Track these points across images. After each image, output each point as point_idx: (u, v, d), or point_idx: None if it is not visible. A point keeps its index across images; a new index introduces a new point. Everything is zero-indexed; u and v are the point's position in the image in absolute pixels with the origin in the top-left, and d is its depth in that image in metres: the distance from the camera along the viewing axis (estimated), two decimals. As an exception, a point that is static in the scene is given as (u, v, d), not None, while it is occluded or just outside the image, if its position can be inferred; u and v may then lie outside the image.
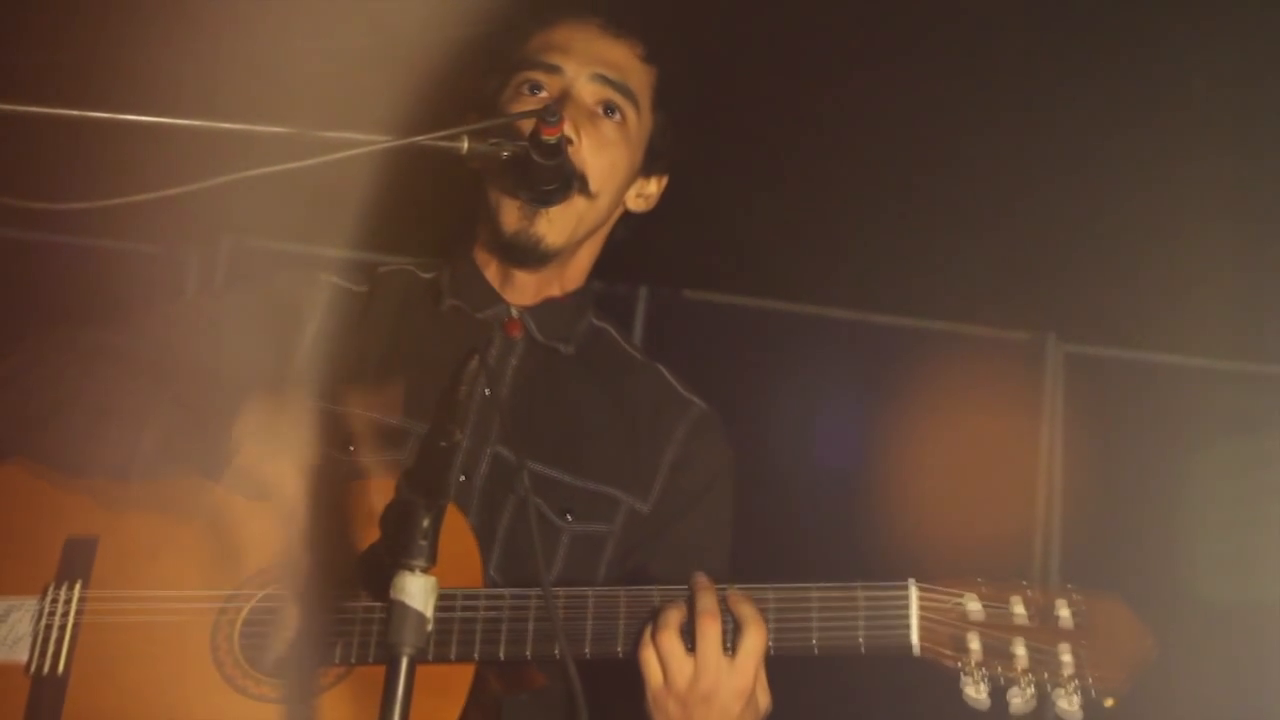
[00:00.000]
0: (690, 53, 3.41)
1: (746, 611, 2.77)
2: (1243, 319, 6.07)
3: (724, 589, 2.80)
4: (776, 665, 2.81)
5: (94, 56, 4.88)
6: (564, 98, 3.15)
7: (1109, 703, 2.72)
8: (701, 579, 2.81)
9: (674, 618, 2.77)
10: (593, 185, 3.15)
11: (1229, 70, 4.98)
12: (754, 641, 2.75)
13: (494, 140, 2.69)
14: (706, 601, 2.77)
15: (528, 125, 2.76)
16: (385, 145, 2.53)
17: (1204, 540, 6.25)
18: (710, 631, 2.74)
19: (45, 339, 3.16)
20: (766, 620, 2.77)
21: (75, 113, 2.49)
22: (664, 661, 2.76)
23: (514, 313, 3.24)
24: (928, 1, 4.95)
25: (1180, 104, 5.19)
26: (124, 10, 4.78)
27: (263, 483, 2.89)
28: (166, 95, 2.86)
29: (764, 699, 2.82)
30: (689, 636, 2.76)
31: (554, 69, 3.19)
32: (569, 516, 3.12)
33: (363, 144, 2.51)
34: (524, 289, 3.24)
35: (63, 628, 2.92)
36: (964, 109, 5.40)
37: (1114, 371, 6.85)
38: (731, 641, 2.76)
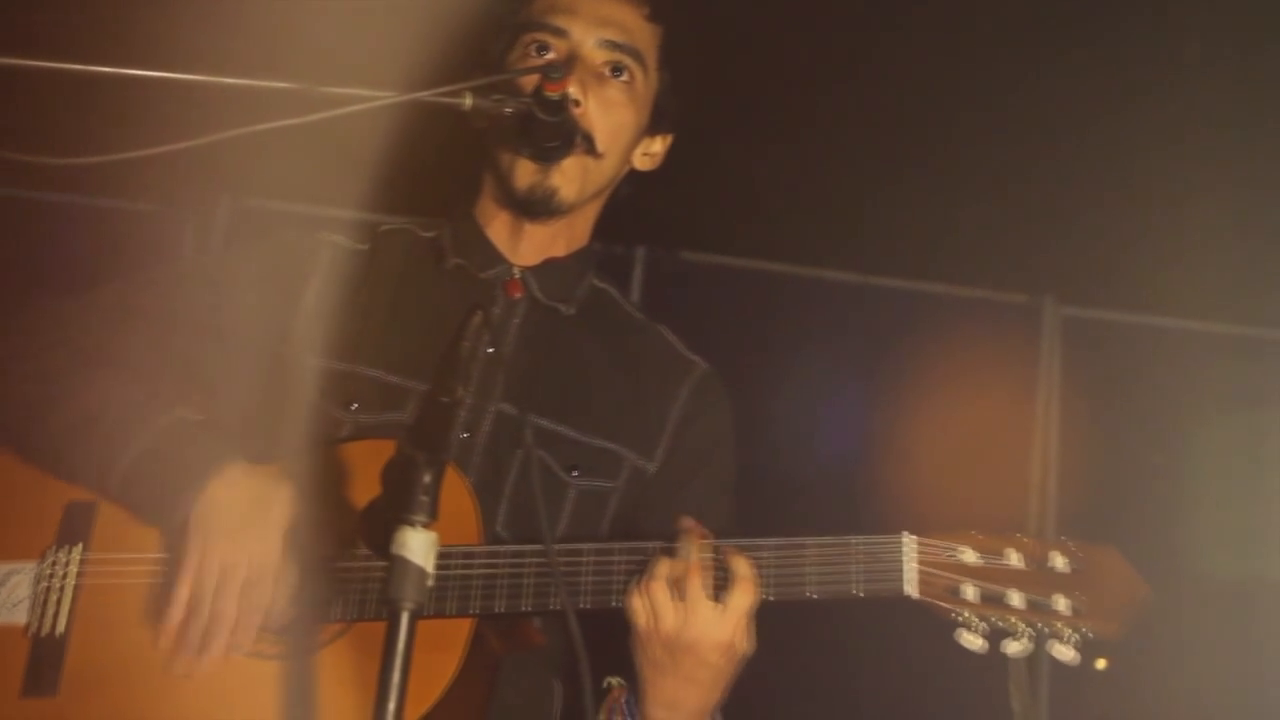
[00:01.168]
0: (695, 10, 3.40)
1: (741, 569, 2.80)
2: (1242, 283, 6.08)
3: (720, 544, 2.82)
4: (768, 610, 2.84)
5: (98, 13, 4.87)
6: (571, 60, 3.14)
7: (1101, 664, 2.74)
8: (694, 529, 2.85)
9: (665, 568, 2.81)
10: (600, 146, 3.15)
11: (1229, 35, 4.98)
12: (744, 598, 2.79)
13: (497, 96, 2.69)
14: (698, 554, 2.80)
15: (531, 82, 2.76)
16: (389, 101, 2.52)
17: (1201, 508, 6.28)
18: (697, 582, 2.78)
19: (40, 315, 3.15)
20: (764, 569, 2.81)
21: (77, 67, 2.48)
22: (654, 608, 2.79)
23: (515, 273, 3.24)
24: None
25: (1179, 68, 5.19)
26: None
27: (263, 441, 2.90)
28: (169, 52, 2.85)
29: (745, 645, 2.85)
30: (679, 587, 2.79)
31: (561, 31, 3.18)
32: (575, 472, 3.12)
33: (366, 100, 2.51)
34: (531, 244, 3.24)
35: (62, 589, 2.91)
36: (963, 71, 5.40)
37: (1112, 335, 6.87)
38: (720, 594, 2.79)
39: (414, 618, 2.33)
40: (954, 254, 6.49)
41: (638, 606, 2.81)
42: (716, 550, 2.82)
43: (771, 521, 3.11)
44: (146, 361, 3.03)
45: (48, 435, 2.99)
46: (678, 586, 2.79)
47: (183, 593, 2.82)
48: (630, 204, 3.38)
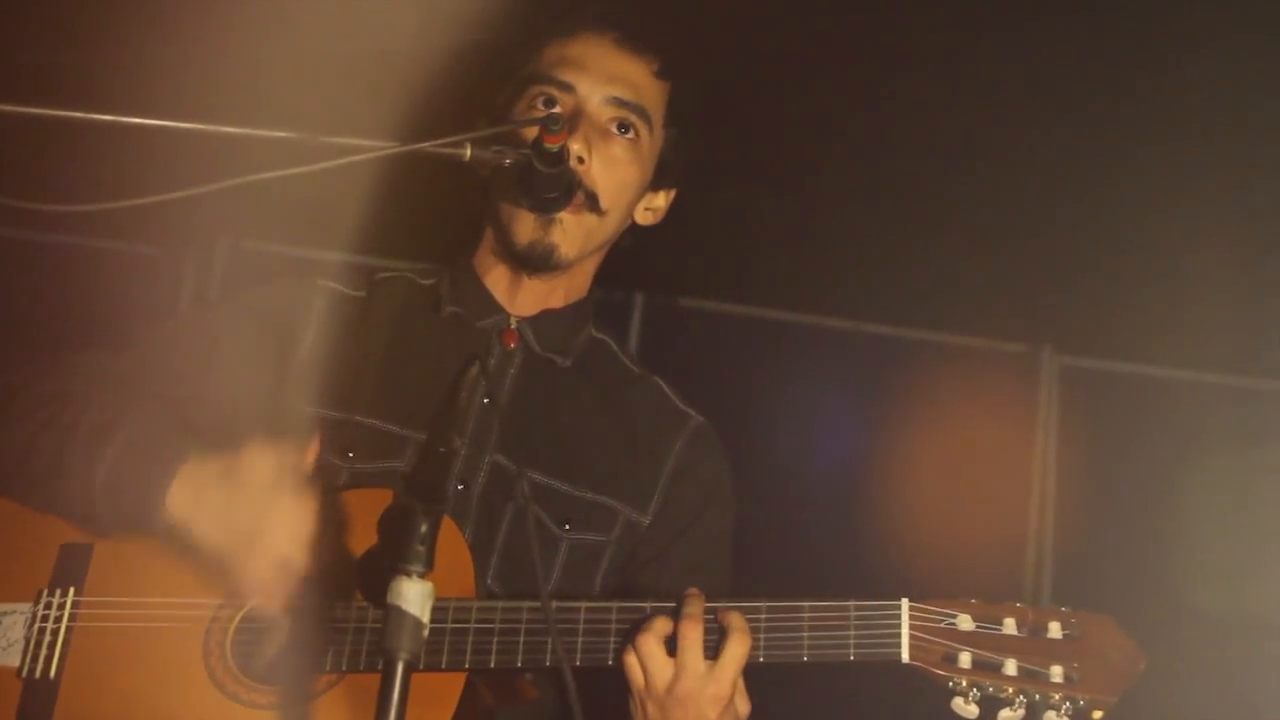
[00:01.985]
0: (703, 66, 3.41)
1: (734, 621, 2.79)
2: (1238, 334, 6.08)
3: (715, 606, 2.82)
4: (768, 669, 2.83)
5: (93, 58, 4.88)
6: (577, 115, 3.14)
7: (1097, 715, 2.73)
8: (692, 591, 2.84)
9: (659, 625, 2.80)
10: (603, 203, 3.15)
11: (1227, 86, 4.99)
12: (736, 649, 2.78)
13: (497, 147, 2.69)
14: (690, 607, 2.80)
15: (531, 133, 2.76)
16: (389, 151, 2.53)
17: (1197, 553, 6.26)
18: (690, 635, 2.77)
19: (32, 367, 3.14)
20: (758, 632, 2.80)
21: (73, 114, 2.49)
22: (644, 664, 2.79)
23: (512, 323, 3.23)
24: (930, 16, 4.95)
25: (1177, 119, 5.19)
26: (123, 12, 4.78)
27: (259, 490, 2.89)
28: (166, 98, 2.86)
29: (743, 707, 2.85)
30: (672, 643, 2.78)
31: (568, 86, 3.18)
32: (567, 526, 3.12)
33: (366, 150, 2.51)
34: (529, 296, 3.24)
35: (55, 632, 2.91)
36: (962, 123, 5.41)
37: (1109, 384, 6.86)
38: (714, 649, 2.78)
39: (409, 668, 2.33)
40: (952, 302, 6.48)
41: (631, 663, 2.80)
42: (711, 610, 2.81)
43: (768, 568, 3.12)
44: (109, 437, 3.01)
45: (24, 482, 2.99)
46: (670, 642, 2.79)
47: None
48: (629, 252, 3.39)
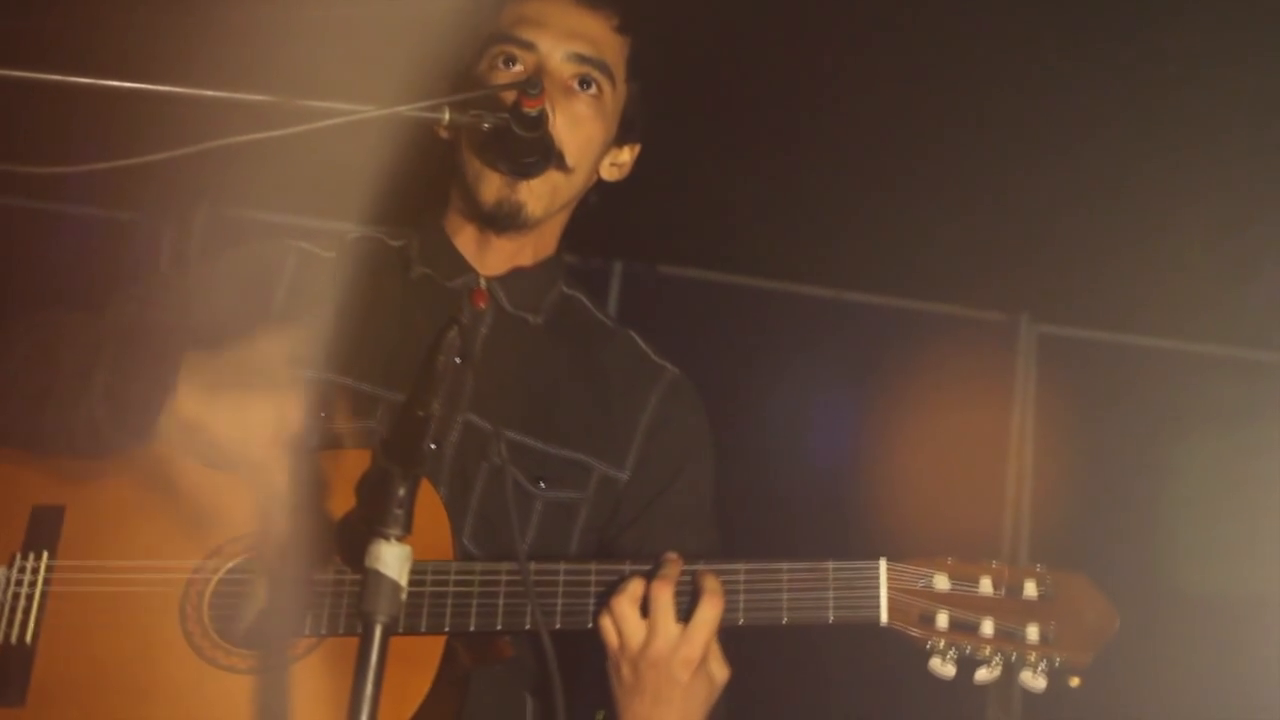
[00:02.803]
0: (665, 22, 3.40)
1: (708, 583, 2.78)
2: (1217, 302, 6.10)
3: (693, 568, 2.82)
4: (743, 635, 2.83)
5: (76, 21, 4.86)
6: (539, 73, 3.13)
7: (1074, 682, 2.74)
8: (670, 554, 2.84)
9: (633, 586, 2.80)
10: (569, 160, 3.15)
11: (1206, 55, 5.00)
12: (708, 611, 2.77)
13: (475, 112, 2.69)
14: (665, 570, 2.80)
15: (509, 97, 2.76)
16: (366, 115, 2.52)
17: (1175, 524, 6.29)
18: (662, 597, 2.77)
19: (7, 323, 3.14)
20: (737, 594, 2.80)
21: (53, 77, 2.47)
22: (619, 625, 2.78)
23: (482, 283, 3.24)
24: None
25: (1155, 86, 5.20)
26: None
27: (233, 450, 2.89)
28: (146, 62, 2.85)
29: (720, 672, 2.84)
30: (648, 605, 2.79)
31: (528, 44, 3.17)
32: (542, 484, 3.12)
33: (344, 113, 2.50)
34: (498, 256, 3.24)
35: (30, 597, 2.90)
36: (940, 89, 5.41)
37: (1087, 353, 6.88)
38: (686, 611, 2.78)
39: (387, 632, 2.33)
40: (930, 271, 6.50)
41: (606, 625, 2.80)
42: (689, 572, 2.82)
43: (748, 536, 3.12)
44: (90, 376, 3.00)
45: (19, 414, 2.96)
46: (644, 603, 2.80)
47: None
48: (608, 219, 3.39)
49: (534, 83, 2.69)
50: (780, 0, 5.11)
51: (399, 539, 2.36)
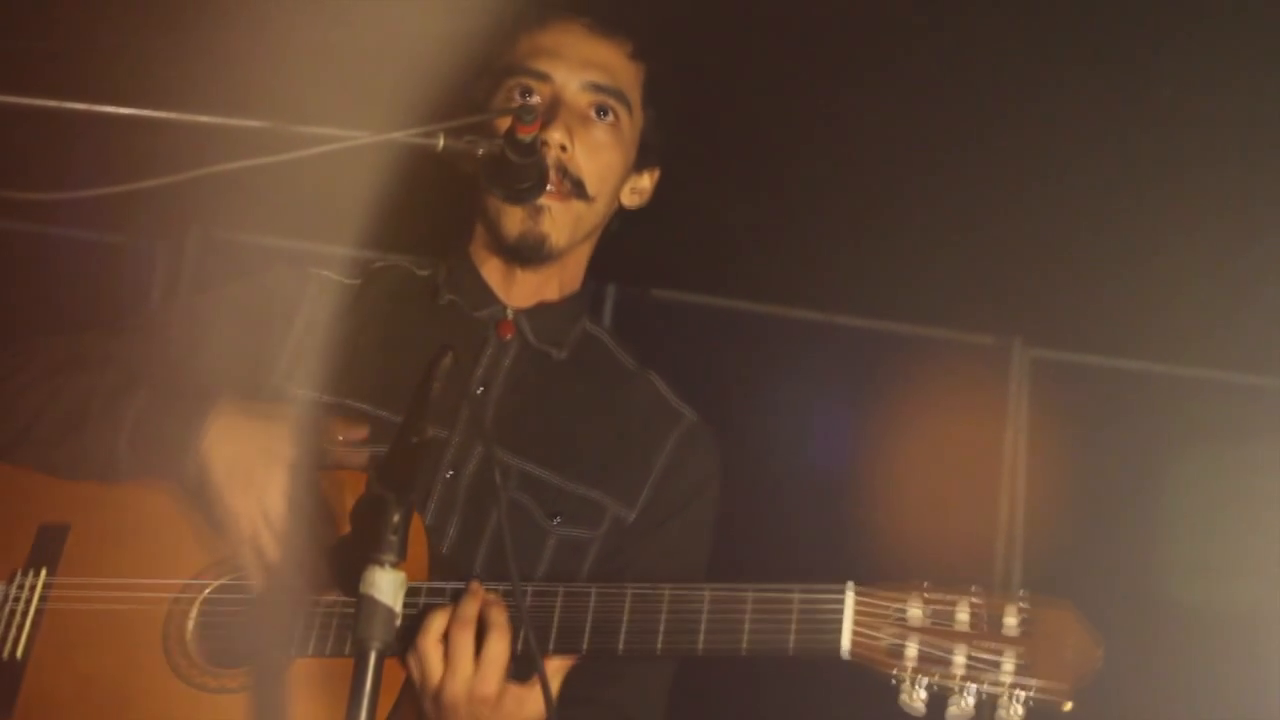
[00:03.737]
0: (677, 47, 3.42)
1: (494, 616, 2.74)
2: (1210, 327, 6.11)
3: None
4: (712, 664, 2.78)
5: (69, 45, 4.87)
6: (556, 103, 3.16)
7: (1067, 707, 2.65)
8: (473, 584, 2.79)
9: (436, 623, 2.75)
10: (590, 189, 3.17)
11: (1202, 78, 5.01)
12: (495, 646, 2.72)
13: (469, 138, 2.69)
14: (462, 609, 2.75)
15: (504, 123, 2.77)
16: (361, 141, 2.52)
17: (1167, 547, 6.29)
18: (457, 638, 2.72)
19: (23, 348, 3.16)
20: (699, 620, 2.71)
21: (45, 103, 2.48)
22: (420, 662, 2.74)
23: (509, 314, 3.24)
24: (907, 9, 4.97)
25: (1150, 111, 5.21)
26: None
27: (240, 471, 2.90)
28: (143, 86, 2.86)
29: (533, 707, 2.77)
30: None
31: (543, 75, 3.19)
32: (557, 519, 3.12)
33: (340, 139, 2.51)
34: (523, 288, 3.25)
35: (25, 613, 2.92)
36: (933, 114, 5.42)
37: (1079, 377, 6.88)
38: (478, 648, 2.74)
39: (381, 657, 2.33)
40: (923, 294, 6.50)
41: (410, 663, 2.76)
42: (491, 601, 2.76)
43: (741, 560, 3.12)
44: (120, 407, 3.03)
45: (37, 438, 3.01)
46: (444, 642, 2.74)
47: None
48: (601, 242, 3.39)
49: (529, 109, 2.70)
50: (775, 27, 5.11)
51: (394, 565, 2.36)
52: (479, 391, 3.14)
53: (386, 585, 2.34)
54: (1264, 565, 6.21)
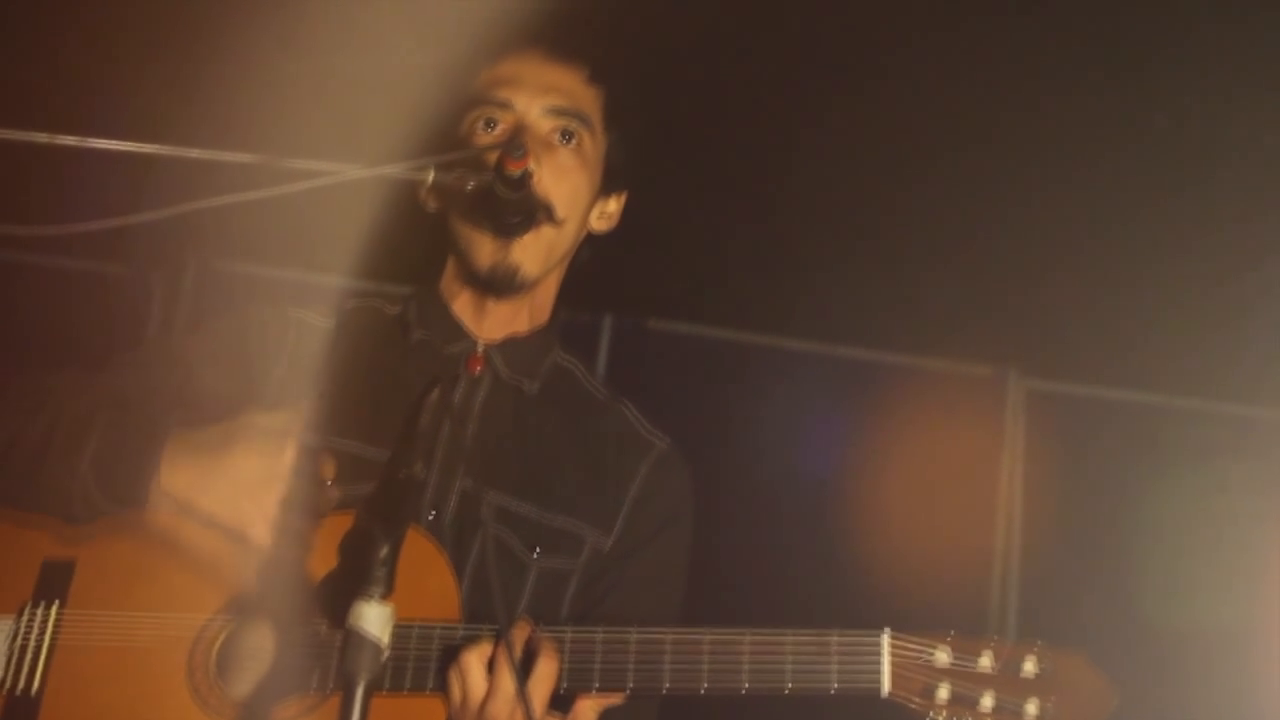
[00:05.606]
0: (650, 75, 3.43)
1: (543, 646, 2.83)
2: (1202, 357, 6.11)
3: (551, 632, 2.86)
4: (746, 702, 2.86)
5: (63, 78, 4.88)
6: (519, 131, 3.18)
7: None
8: (522, 617, 2.89)
9: (484, 645, 2.83)
10: (559, 213, 3.18)
11: (1194, 107, 5.02)
12: (544, 668, 2.81)
13: (459, 173, 2.71)
14: (512, 633, 2.83)
15: (492, 158, 2.78)
16: (352, 175, 2.54)
17: (1162, 574, 6.29)
18: (501, 659, 2.80)
19: (9, 385, 3.17)
20: (742, 661, 2.83)
21: (42, 137, 2.49)
22: (464, 679, 2.81)
23: (479, 349, 3.26)
24: (894, 34, 4.97)
25: (1141, 142, 5.22)
26: (94, 32, 4.79)
27: (238, 514, 2.91)
28: (137, 120, 2.87)
29: None
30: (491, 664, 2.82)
31: (505, 104, 3.22)
32: (537, 552, 3.14)
33: (330, 174, 2.52)
34: (494, 321, 3.26)
35: (38, 648, 2.92)
36: (929, 144, 5.43)
37: (1075, 407, 6.88)
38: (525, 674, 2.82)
39: (369, 690, 2.34)
40: (919, 325, 6.50)
41: (452, 679, 2.83)
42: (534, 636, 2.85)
43: (736, 589, 3.12)
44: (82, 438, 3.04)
45: (12, 469, 3.01)
46: (490, 664, 2.82)
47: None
48: (597, 273, 3.40)
49: (517, 144, 2.72)
50: (768, 55, 5.12)
51: (381, 599, 2.37)
52: (460, 426, 3.16)
53: (374, 618, 2.35)
54: (1259, 591, 6.21)
